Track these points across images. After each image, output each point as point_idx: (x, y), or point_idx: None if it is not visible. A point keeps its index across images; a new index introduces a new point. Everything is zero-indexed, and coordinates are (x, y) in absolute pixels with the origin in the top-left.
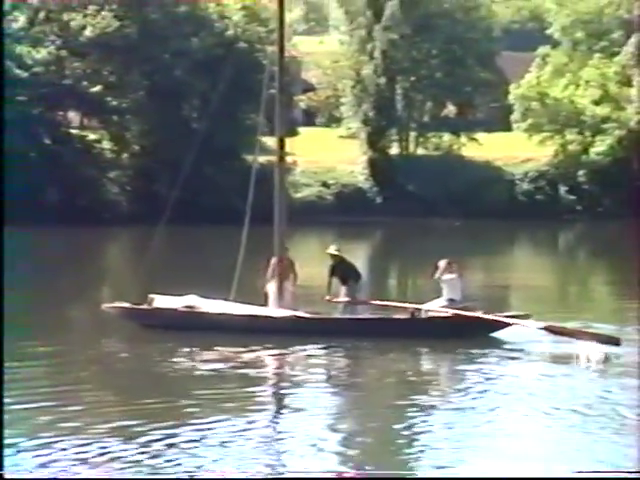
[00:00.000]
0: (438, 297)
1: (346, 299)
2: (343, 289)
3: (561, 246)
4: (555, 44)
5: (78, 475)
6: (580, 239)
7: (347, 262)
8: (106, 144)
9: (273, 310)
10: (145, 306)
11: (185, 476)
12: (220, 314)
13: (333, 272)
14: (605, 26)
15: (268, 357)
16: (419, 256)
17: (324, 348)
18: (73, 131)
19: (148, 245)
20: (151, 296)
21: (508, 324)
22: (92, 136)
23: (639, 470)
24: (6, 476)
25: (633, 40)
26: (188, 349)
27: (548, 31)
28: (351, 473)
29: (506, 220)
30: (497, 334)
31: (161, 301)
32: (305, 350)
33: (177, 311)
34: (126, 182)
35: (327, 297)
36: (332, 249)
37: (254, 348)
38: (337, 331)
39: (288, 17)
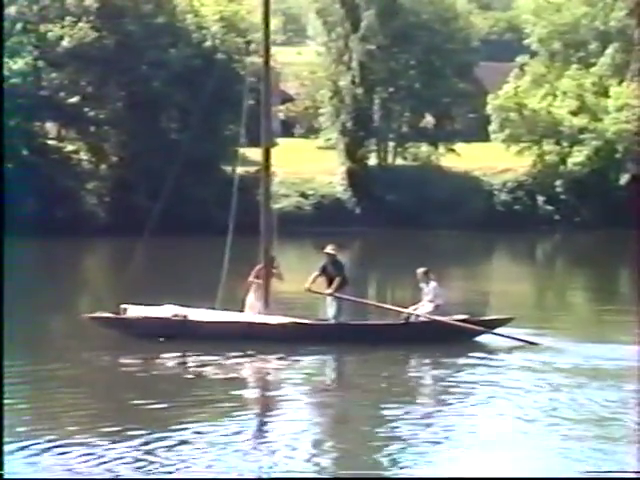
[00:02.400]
0: (418, 304)
1: (328, 291)
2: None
3: (539, 256)
4: (533, 54)
5: (77, 475)
6: (558, 249)
7: (339, 262)
8: (84, 155)
9: (268, 317)
10: (131, 315)
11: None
12: (212, 322)
13: (323, 271)
14: (582, 37)
15: (257, 363)
16: (398, 266)
17: (314, 353)
18: (50, 142)
19: (130, 256)
20: (123, 306)
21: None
22: (70, 147)
23: (639, 470)
24: (6, 476)
25: (609, 51)
26: (175, 356)
27: (526, 41)
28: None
29: (484, 230)
30: (481, 339)
31: (135, 311)
32: (295, 356)
33: (168, 320)
34: (104, 193)
35: (307, 285)
36: (329, 248)
37: (243, 354)
38: (331, 337)
39: None
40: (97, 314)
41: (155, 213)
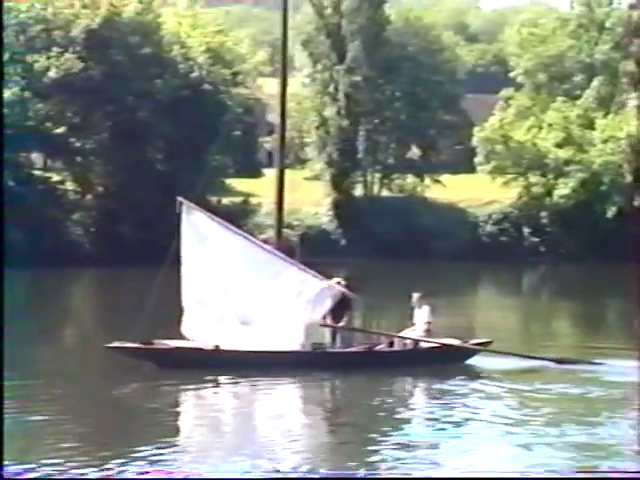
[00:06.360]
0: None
1: (341, 324)
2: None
3: (525, 287)
4: (518, 87)
5: (78, 475)
6: (544, 280)
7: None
8: (70, 185)
9: (290, 344)
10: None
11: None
12: (244, 352)
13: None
14: (567, 69)
15: (264, 386)
16: (383, 297)
17: (324, 378)
18: (36, 172)
19: (116, 287)
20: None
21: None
22: (56, 177)
23: (639, 470)
24: (5, 476)
25: (595, 84)
26: (189, 383)
27: (511, 74)
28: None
29: (470, 262)
30: (471, 361)
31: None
32: (304, 380)
33: (201, 350)
34: (90, 223)
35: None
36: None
37: (249, 378)
38: (344, 363)
39: (253, 59)
40: (121, 344)
41: (175, 245)
